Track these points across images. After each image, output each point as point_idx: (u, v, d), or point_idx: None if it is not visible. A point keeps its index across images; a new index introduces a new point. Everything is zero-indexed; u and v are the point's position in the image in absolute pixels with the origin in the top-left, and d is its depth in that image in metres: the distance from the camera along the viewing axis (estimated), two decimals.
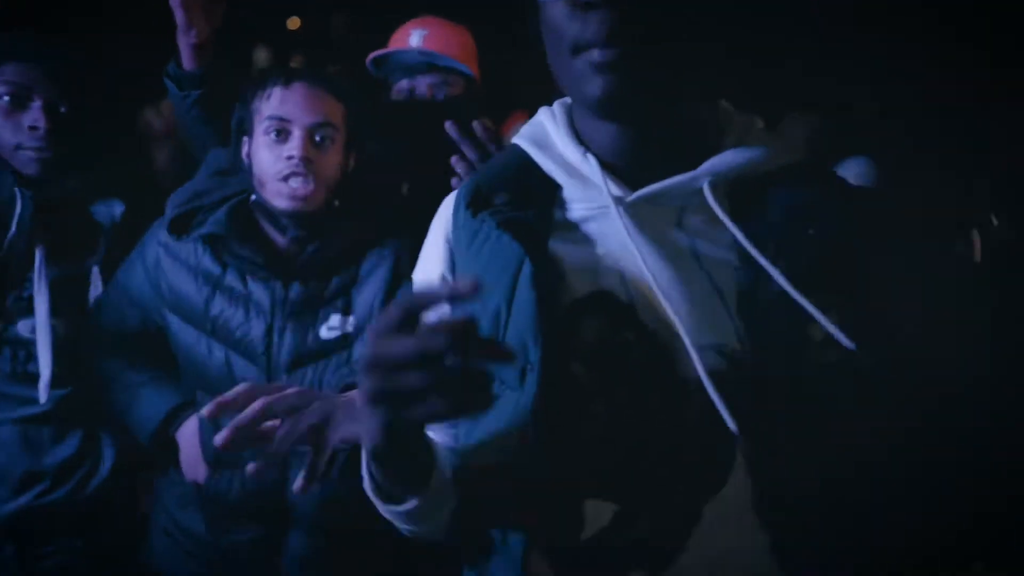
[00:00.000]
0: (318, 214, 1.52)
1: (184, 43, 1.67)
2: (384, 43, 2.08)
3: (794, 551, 0.79)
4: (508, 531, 0.84)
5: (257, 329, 1.53)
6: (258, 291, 1.55)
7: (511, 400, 0.80)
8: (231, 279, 1.56)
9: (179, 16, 1.63)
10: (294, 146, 1.44)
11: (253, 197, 1.57)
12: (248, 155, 1.53)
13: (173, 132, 2.91)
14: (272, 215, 1.54)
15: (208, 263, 1.58)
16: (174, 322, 1.63)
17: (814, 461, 0.78)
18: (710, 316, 0.79)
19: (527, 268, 0.81)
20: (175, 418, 1.67)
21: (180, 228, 1.60)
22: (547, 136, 0.91)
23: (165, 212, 1.64)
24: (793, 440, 0.78)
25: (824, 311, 0.75)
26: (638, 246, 0.80)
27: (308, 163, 1.44)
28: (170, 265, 1.61)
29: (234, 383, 0.99)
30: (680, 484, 0.77)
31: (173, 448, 1.68)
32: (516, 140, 0.94)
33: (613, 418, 0.77)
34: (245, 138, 1.55)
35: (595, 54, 0.75)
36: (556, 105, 0.94)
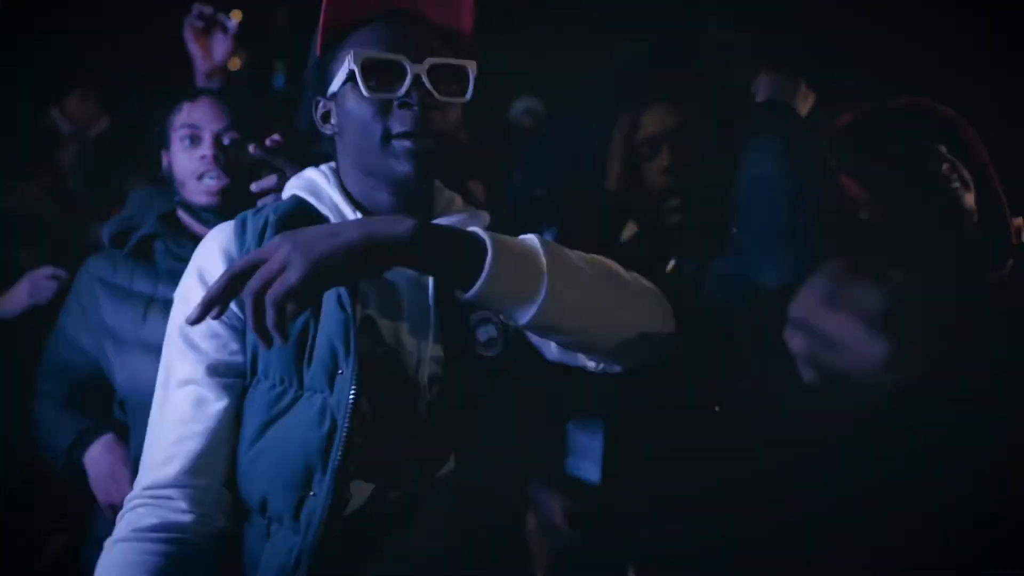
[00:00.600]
0: (234, 207, 1.64)
1: (197, 71, 1.95)
2: None
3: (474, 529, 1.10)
4: None
5: None
6: None
7: (317, 400, 1.05)
8: (164, 292, 1.68)
9: (192, 49, 1.95)
10: (205, 148, 1.70)
11: (177, 198, 1.79)
12: (168, 164, 1.78)
13: (82, 131, 2.92)
14: (195, 211, 1.76)
15: (140, 283, 1.71)
16: (111, 349, 1.70)
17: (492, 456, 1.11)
18: (427, 339, 1.11)
19: (334, 290, 1.06)
20: (81, 441, 1.68)
21: (120, 242, 1.76)
22: (320, 191, 1.17)
23: (101, 243, 1.82)
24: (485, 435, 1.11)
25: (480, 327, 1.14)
26: (387, 283, 1.10)
27: (218, 161, 1.70)
28: (106, 294, 1.72)
29: None
30: (414, 463, 1.09)
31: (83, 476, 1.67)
32: (295, 192, 1.19)
33: (375, 411, 1.07)
34: (163, 152, 1.80)
35: (408, 143, 1.06)
36: (325, 168, 1.20)
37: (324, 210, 1.15)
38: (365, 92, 1.06)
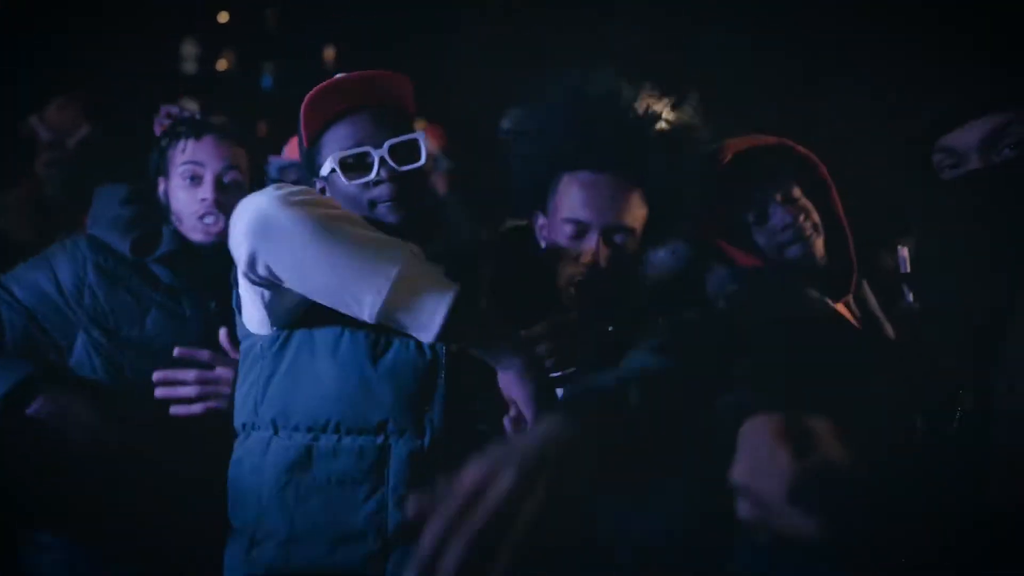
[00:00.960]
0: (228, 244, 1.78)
1: None
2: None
3: None
4: None
5: (185, 341, 1.75)
6: (192, 311, 1.82)
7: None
8: (161, 298, 1.81)
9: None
10: (207, 189, 1.80)
11: (171, 228, 1.86)
12: (165, 192, 1.87)
13: (61, 139, 2.97)
14: (188, 243, 1.86)
15: (138, 283, 1.81)
16: (95, 337, 1.76)
17: None
18: None
19: None
20: (26, 392, 1.69)
21: (142, 250, 1.83)
22: None
23: (98, 236, 1.86)
24: None
25: None
26: None
27: (219, 204, 1.79)
28: (103, 280, 1.80)
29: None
30: None
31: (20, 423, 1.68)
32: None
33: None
34: (161, 178, 1.89)
35: (387, 204, 1.44)
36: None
37: None
38: (347, 182, 1.45)
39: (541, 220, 1.56)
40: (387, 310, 1.21)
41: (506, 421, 1.32)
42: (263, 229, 1.24)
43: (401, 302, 1.21)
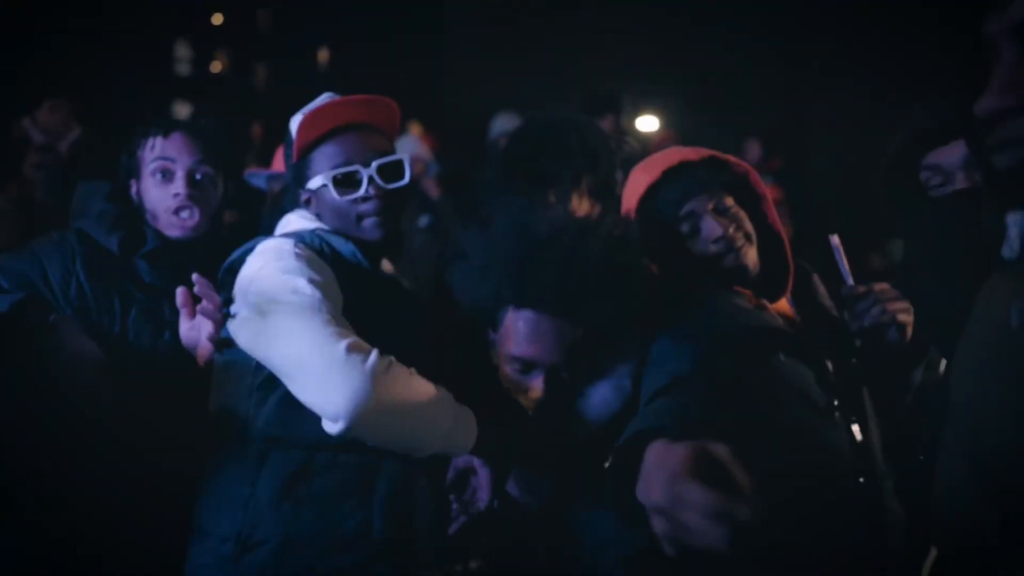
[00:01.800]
0: (204, 238, 1.87)
1: None
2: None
3: None
4: None
5: (162, 341, 1.79)
6: (172, 315, 1.76)
7: None
8: (140, 295, 1.81)
9: None
10: (179, 185, 1.83)
11: (148, 228, 1.87)
12: (137, 193, 1.89)
13: (52, 141, 2.98)
14: (165, 240, 1.88)
15: (123, 278, 1.82)
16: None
17: None
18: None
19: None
20: (35, 311, 1.68)
21: (128, 248, 1.85)
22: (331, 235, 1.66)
23: (88, 231, 1.87)
24: None
25: None
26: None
27: (192, 198, 1.83)
28: (89, 272, 1.80)
29: None
30: None
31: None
32: (324, 230, 1.64)
33: None
34: (132, 180, 1.89)
35: (373, 219, 1.62)
36: (309, 214, 1.70)
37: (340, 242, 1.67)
38: (337, 197, 1.61)
39: (492, 335, 1.55)
40: (436, 455, 1.47)
41: (453, 499, 1.53)
42: (363, 416, 1.36)
43: (447, 450, 1.48)
